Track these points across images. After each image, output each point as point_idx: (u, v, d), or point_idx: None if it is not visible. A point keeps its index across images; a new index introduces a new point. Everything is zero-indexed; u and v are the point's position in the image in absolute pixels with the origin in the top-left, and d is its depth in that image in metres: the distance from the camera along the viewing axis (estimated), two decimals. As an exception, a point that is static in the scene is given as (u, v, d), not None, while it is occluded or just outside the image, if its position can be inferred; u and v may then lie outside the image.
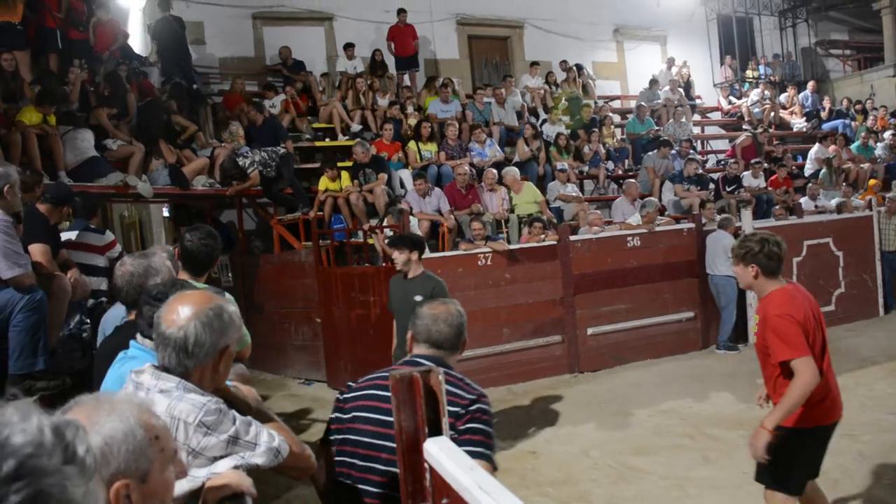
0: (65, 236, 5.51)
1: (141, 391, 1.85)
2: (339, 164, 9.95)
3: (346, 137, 10.94)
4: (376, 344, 7.07)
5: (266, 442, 1.89)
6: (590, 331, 8.47)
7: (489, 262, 8.02)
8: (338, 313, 8.21)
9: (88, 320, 4.95)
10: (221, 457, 1.83)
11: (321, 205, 9.29)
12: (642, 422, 6.63)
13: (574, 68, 13.60)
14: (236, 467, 1.84)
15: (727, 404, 6.94)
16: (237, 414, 1.91)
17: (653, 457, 5.75)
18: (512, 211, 9.49)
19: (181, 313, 1.93)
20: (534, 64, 13.58)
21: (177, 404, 1.81)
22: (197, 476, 1.79)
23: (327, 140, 11.13)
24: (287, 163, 9.24)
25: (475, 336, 7.85)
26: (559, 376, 8.11)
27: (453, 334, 2.53)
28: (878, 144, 13.14)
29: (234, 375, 3.36)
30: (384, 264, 7.95)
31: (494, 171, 9.77)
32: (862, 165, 12.12)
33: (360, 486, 2.36)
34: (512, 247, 8.35)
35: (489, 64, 14.87)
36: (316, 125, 11.22)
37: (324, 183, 9.50)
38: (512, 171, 9.86)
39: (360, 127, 11.02)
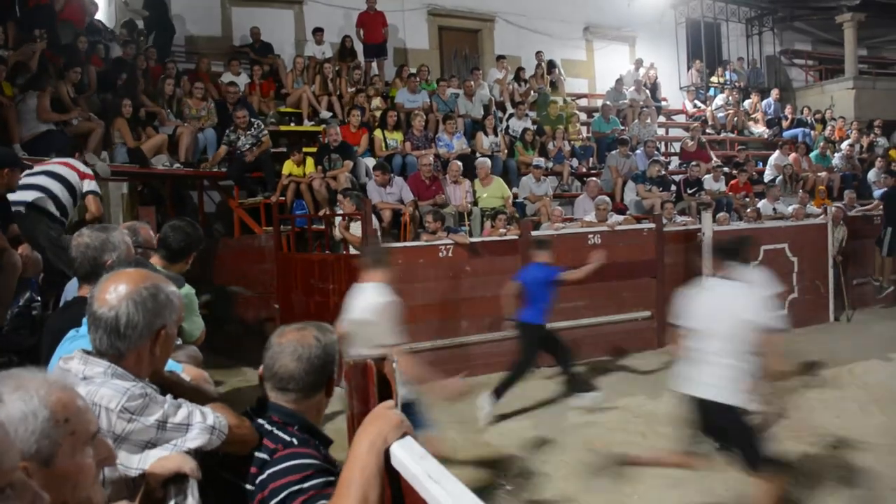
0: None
1: (69, 379, 1.75)
2: (304, 150, 9.87)
3: (312, 123, 10.86)
4: (335, 332, 7.04)
5: (199, 422, 1.81)
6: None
7: (450, 254, 8.02)
8: (296, 300, 8.15)
9: (39, 298, 4.82)
10: (152, 443, 1.76)
11: (283, 189, 9.20)
12: (598, 418, 6.70)
13: (544, 64, 13.66)
14: None
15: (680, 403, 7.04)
16: (169, 398, 1.83)
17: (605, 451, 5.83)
18: (475, 204, 9.49)
19: (114, 292, 1.84)
20: (500, 58, 13.60)
21: (97, 390, 1.72)
22: (129, 465, 1.74)
23: (293, 125, 11.02)
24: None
25: (434, 328, 7.91)
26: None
27: (304, 371, 1.96)
28: (836, 154, 13.41)
29: (186, 358, 3.33)
30: (344, 252, 7.91)
31: (459, 163, 9.77)
32: (819, 174, 12.35)
33: None
34: (473, 240, 8.35)
35: (459, 56, 14.85)
36: (282, 109, 11.10)
37: (287, 167, 9.41)
38: (486, 164, 9.88)
39: (330, 114, 10.93)
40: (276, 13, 13.04)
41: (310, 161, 9.49)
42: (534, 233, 8.58)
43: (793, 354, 8.39)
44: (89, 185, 5.46)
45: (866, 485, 5.13)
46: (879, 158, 13.53)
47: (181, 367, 2.58)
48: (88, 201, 5.42)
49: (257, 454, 1.89)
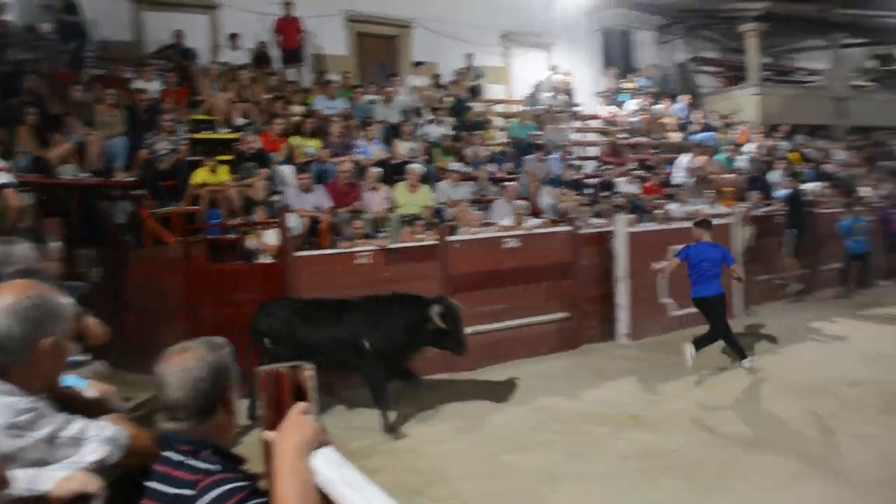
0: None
1: None
2: (219, 158, 9.72)
3: (228, 130, 10.70)
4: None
5: (95, 436, 1.77)
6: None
7: (368, 261, 8.03)
8: (208, 312, 7.99)
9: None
10: (45, 460, 1.72)
11: (197, 199, 9.04)
12: (516, 419, 6.82)
13: (469, 68, 13.83)
14: None
15: (597, 402, 7.24)
16: (62, 413, 1.79)
17: (525, 453, 5.94)
18: (393, 210, 9.51)
19: None
20: (419, 64, 13.67)
21: None
22: (27, 485, 1.68)
23: (203, 132, 10.79)
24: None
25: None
26: (437, 375, 8.20)
27: (190, 398, 1.84)
28: (741, 157, 13.95)
29: (91, 374, 3.25)
30: (260, 261, 7.84)
31: (377, 169, 9.79)
32: (726, 176, 12.82)
33: None
34: (392, 246, 8.38)
35: (377, 62, 14.87)
36: (196, 116, 10.90)
37: (201, 176, 9.25)
38: (416, 171, 9.92)
39: (247, 121, 10.79)
40: (190, 18, 12.82)
41: (224, 169, 9.36)
42: (451, 238, 8.66)
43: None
44: (4, 177, 5.28)
45: (762, 472, 5.38)
46: (781, 161, 14.15)
47: (87, 383, 2.53)
48: (8, 195, 5.24)
49: (178, 491, 1.74)
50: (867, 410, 6.61)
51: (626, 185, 11.62)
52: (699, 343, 8.01)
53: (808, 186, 13.33)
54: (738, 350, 8.03)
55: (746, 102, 17.24)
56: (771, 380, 7.77)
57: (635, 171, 12.40)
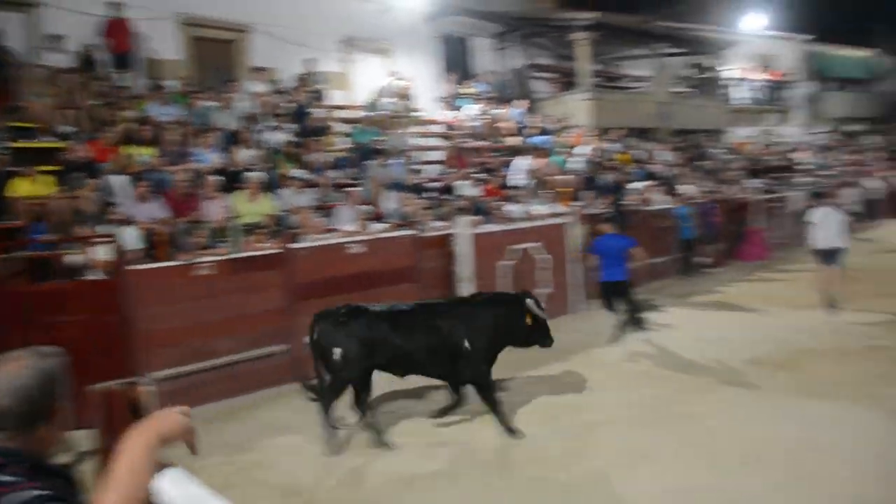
0: None
1: None
2: (42, 168, 9.13)
3: (51, 139, 10.06)
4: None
5: None
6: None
7: (209, 272, 7.83)
8: (16, 337, 7.39)
9: None
10: None
11: (17, 212, 8.44)
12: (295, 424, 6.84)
13: (306, 75, 13.71)
14: None
15: (443, 401, 7.40)
16: None
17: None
18: (234, 219, 9.32)
19: None
20: (258, 69, 13.44)
21: None
22: None
23: (22, 141, 10.07)
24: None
25: (193, 351, 7.63)
26: (284, 386, 8.09)
27: (16, 405, 1.79)
28: (576, 159, 14.69)
29: None
30: (89, 278, 7.45)
31: (216, 177, 9.56)
32: (562, 177, 13.46)
33: None
34: (233, 256, 8.21)
35: (213, 67, 14.45)
36: (14, 123, 10.17)
37: (22, 188, 8.67)
38: (256, 178, 9.73)
39: (73, 129, 10.19)
40: (5, 17, 11.93)
41: (50, 180, 8.82)
42: (295, 245, 8.59)
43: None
44: None
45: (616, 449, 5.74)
46: (612, 162, 15.04)
47: None
48: None
49: None
50: (694, 391, 7.26)
51: (467, 188, 11.95)
52: (627, 327, 9.33)
53: (636, 185, 14.25)
54: (637, 322, 9.42)
55: (579, 107, 18.16)
56: (604, 367, 8.30)
57: (476, 175, 12.76)
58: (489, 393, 6.45)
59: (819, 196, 12.83)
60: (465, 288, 9.81)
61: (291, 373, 8.23)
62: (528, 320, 6.60)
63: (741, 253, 15.79)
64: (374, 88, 15.08)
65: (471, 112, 15.97)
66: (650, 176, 15.51)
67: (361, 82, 15.72)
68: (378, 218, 10.27)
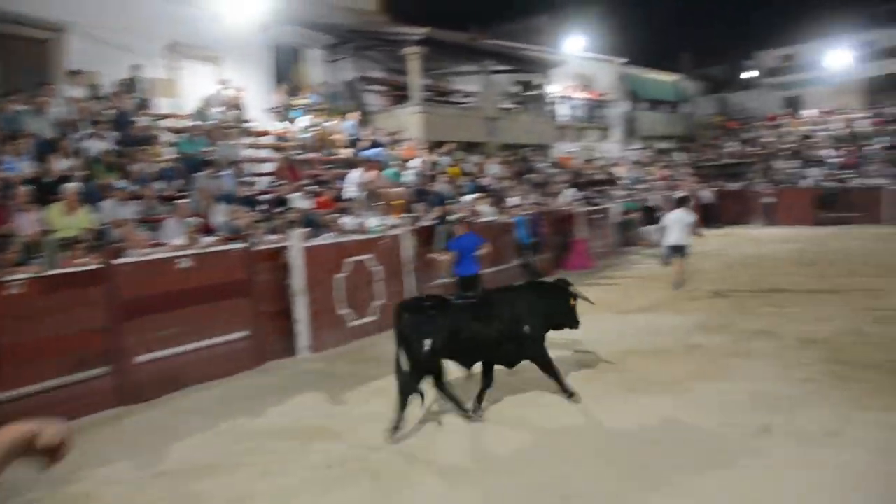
0: None
1: None
2: None
3: None
4: None
5: None
6: (141, 358, 8.19)
7: (21, 291, 7.29)
8: None
9: None
10: None
11: None
12: (201, 445, 6.68)
13: (129, 81, 13.07)
14: None
15: (284, 417, 7.34)
16: None
17: (213, 479, 5.87)
18: (50, 233, 8.73)
19: None
20: (76, 73, 12.68)
21: None
22: None
23: None
24: None
25: (3, 377, 7.07)
26: (108, 410, 7.69)
27: None
28: (408, 171, 14.95)
29: None
30: None
31: (28, 187, 8.93)
32: (395, 189, 13.63)
33: None
34: (49, 273, 7.69)
35: (25, 68, 13.46)
36: None
37: None
38: (73, 189, 9.13)
39: None
40: None
41: None
42: (118, 260, 8.18)
43: (375, 359, 9.30)
44: None
45: (445, 466, 5.89)
46: (444, 174, 15.44)
47: None
48: None
49: None
50: (526, 395, 7.57)
51: (299, 201, 11.85)
52: None
53: (466, 197, 14.70)
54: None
55: (410, 120, 18.51)
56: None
57: (308, 187, 12.68)
58: (549, 367, 7.23)
59: (677, 202, 15.13)
60: (300, 302, 9.74)
61: (116, 397, 7.85)
62: (572, 302, 7.56)
63: (566, 262, 16.67)
64: (203, 97, 14.63)
65: (302, 123, 15.84)
66: (480, 188, 16.04)
67: (189, 90, 15.19)
68: (207, 231, 9.97)
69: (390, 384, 8.13)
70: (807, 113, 32.61)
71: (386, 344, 10.09)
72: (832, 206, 24.40)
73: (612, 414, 6.85)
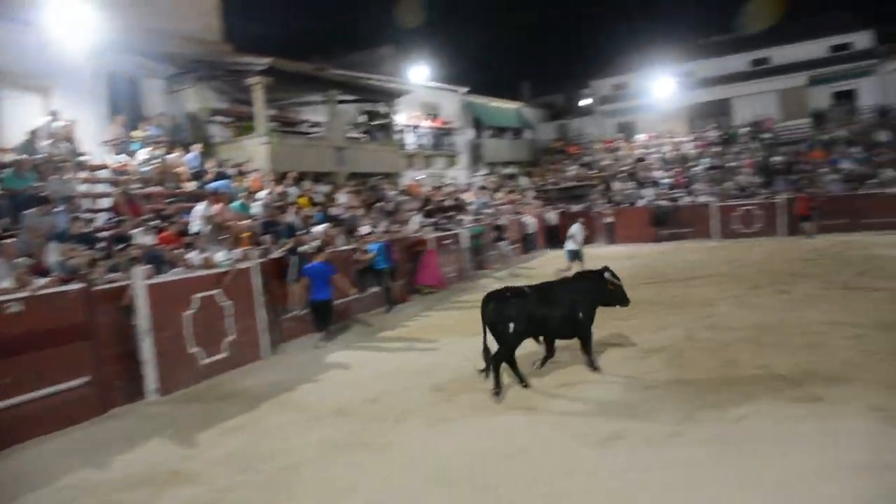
0: None
1: None
2: None
3: None
4: None
5: None
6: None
7: None
8: None
9: None
10: None
11: None
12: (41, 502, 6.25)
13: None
14: None
15: (133, 465, 6.98)
16: None
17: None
18: None
19: None
20: None
21: None
22: None
23: None
24: None
25: None
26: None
27: None
28: (256, 203, 14.64)
29: None
30: None
31: None
32: (242, 222, 13.31)
33: None
34: None
35: None
36: None
37: None
38: None
39: None
40: None
41: None
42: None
43: (229, 396, 9.06)
44: None
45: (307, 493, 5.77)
46: (292, 205, 15.25)
47: None
48: None
49: None
50: (384, 422, 7.61)
51: (141, 237, 11.32)
52: (320, 326, 12.17)
53: (317, 227, 14.58)
54: (321, 326, 12.19)
55: (257, 151, 18.18)
56: (300, 409, 8.40)
57: (151, 222, 12.17)
58: (590, 343, 8.96)
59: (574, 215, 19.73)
60: (145, 342, 9.29)
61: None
62: (610, 287, 9.10)
63: (418, 277, 16.84)
64: (30, 129, 13.68)
65: (142, 157, 15.18)
66: (330, 218, 15.96)
67: (15, 122, 14.18)
68: (40, 272, 9.32)
69: (246, 421, 8.00)
70: (639, 137, 34.77)
71: (241, 380, 9.89)
72: (666, 223, 26.15)
73: (462, 436, 6.98)
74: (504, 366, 8.36)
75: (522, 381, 8.42)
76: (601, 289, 9.12)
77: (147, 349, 9.36)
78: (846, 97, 31.12)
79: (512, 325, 8.18)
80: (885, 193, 23.58)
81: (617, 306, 9.31)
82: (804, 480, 5.38)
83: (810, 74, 31.30)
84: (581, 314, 8.76)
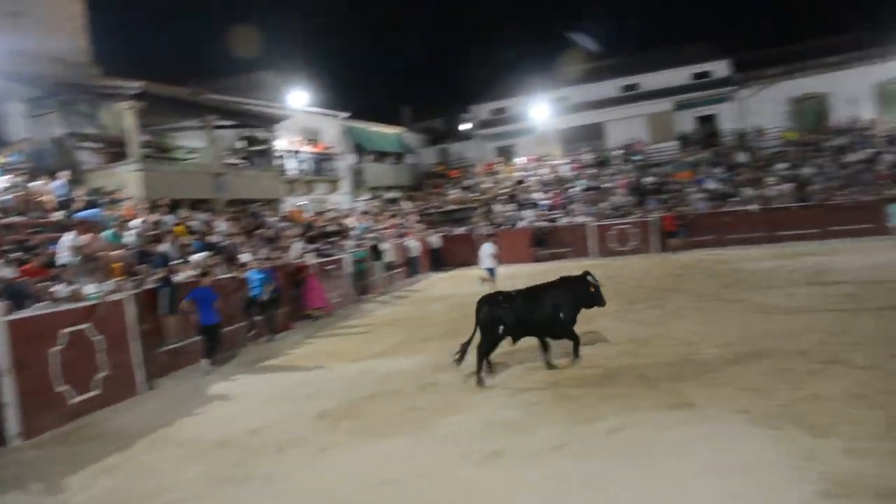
0: None
1: None
2: None
3: None
4: None
5: None
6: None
7: None
8: None
9: None
10: None
11: None
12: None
13: None
14: None
15: None
16: None
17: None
18: None
19: None
20: None
21: None
22: None
23: None
24: None
25: None
26: None
27: None
28: (129, 232, 14.05)
29: None
30: None
31: None
32: (115, 252, 12.73)
33: None
34: None
35: None
36: None
37: None
38: None
39: None
40: None
41: None
42: None
43: (100, 436, 8.62)
44: None
45: None
46: (168, 234, 14.72)
47: None
48: None
49: None
50: (266, 453, 7.40)
51: (1, 269, 10.64)
52: (210, 351, 12.20)
53: (195, 257, 14.13)
54: (211, 351, 12.23)
55: (130, 178, 17.45)
56: (178, 444, 8.09)
57: (12, 254, 11.46)
58: (575, 340, 9.90)
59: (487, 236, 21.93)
60: (5, 384, 8.70)
61: None
62: (591, 289, 9.89)
63: (306, 302, 16.60)
64: None
65: (3, 185, 14.31)
66: (209, 246, 15.51)
67: None
68: None
69: (120, 461, 7.64)
70: (518, 160, 35.64)
71: (115, 418, 9.43)
72: (545, 243, 26.87)
73: (345, 464, 6.92)
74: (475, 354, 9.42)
75: (479, 376, 9.29)
76: (584, 292, 9.94)
77: (7, 391, 8.77)
78: (708, 121, 33.05)
79: (501, 328, 9.35)
80: (745, 210, 25.18)
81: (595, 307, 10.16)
82: (675, 482, 5.65)
83: (675, 100, 33.06)
84: (563, 315, 9.68)
